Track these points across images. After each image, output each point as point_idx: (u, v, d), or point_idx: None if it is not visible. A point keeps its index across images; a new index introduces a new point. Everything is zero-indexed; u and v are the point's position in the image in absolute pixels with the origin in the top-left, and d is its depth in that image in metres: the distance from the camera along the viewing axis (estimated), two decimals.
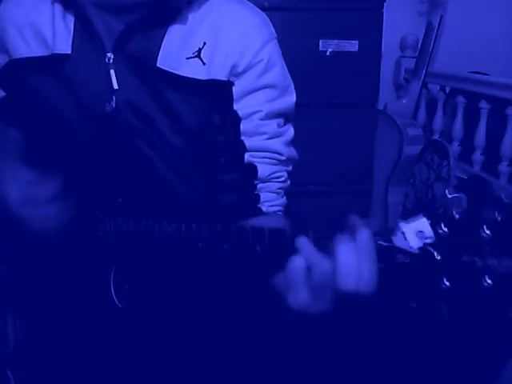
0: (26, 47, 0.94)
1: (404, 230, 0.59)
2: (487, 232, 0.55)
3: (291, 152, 1.01)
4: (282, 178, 0.99)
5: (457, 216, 0.57)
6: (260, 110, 0.94)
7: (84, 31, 0.92)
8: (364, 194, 2.32)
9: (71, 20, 0.92)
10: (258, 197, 0.95)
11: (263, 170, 0.95)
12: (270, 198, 0.97)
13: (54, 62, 0.92)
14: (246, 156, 0.95)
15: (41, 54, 0.93)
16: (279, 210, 0.98)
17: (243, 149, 0.94)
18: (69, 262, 0.92)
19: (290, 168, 1.02)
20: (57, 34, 0.92)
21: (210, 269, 0.85)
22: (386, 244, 0.61)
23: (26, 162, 0.95)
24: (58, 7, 0.93)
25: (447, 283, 0.57)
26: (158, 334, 0.99)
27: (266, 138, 0.96)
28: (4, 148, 1.00)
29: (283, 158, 0.98)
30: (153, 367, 1.02)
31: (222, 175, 0.96)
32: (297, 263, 0.68)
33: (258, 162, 0.95)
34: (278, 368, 1.09)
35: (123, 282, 0.89)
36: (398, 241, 0.60)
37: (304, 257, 0.68)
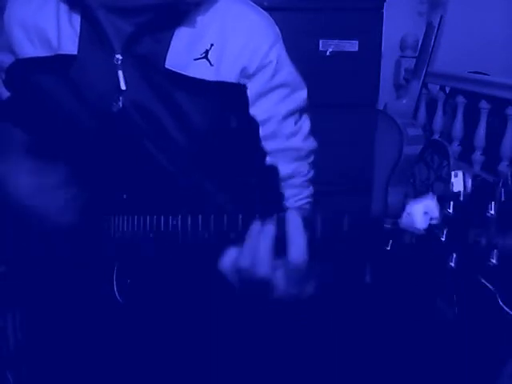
0: (32, 47, 0.94)
1: (410, 210, 0.60)
2: (492, 212, 0.55)
3: (310, 144, 1.03)
4: (305, 172, 1.01)
5: (462, 197, 0.57)
6: (278, 114, 0.96)
7: (91, 32, 0.92)
8: (364, 194, 2.31)
9: (77, 21, 0.92)
10: (282, 195, 0.97)
11: (285, 168, 0.98)
12: (295, 193, 0.99)
13: (59, 62, 0.93)
14: (268, 159, 0.96)
15: (45, 54, 0.93)
16: (307, 202, 1.00)
17: (264, 153, 0.96)
18: (71, 258, 0.92)
19: (312, 158, 1.03)
20: (62, 35, 0.92)
21: (211, 264, 0.86)
22: (391, 226, 0.61)
23: (33, 158, 0.96)
24: (64, 7, 0.93)
25: (453, 263, 0.57)
26: (158, 329, 1.00)
27: (285, 140, 0.98)
28: (11, 147, 1.00)
29: (303, 153, 1.00)
30: (153, 363, 1.02)
31: (245, 179, 0.98)
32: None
33: (279, 163, 0.97)
34: (283, 365, 1.10)
35: (125, 278, 0.90)
36: (404, 222, 0.60)
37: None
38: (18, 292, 1.00)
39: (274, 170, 0.96)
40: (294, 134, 0.99)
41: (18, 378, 1.13)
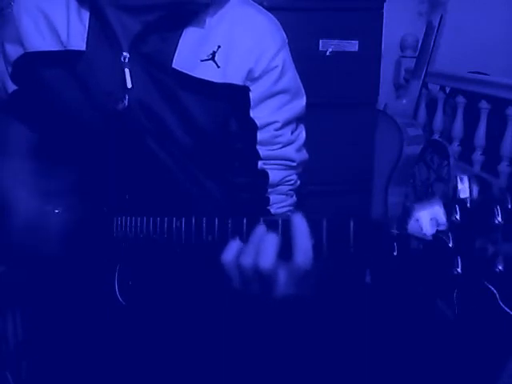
0: (41, 40, 0.94)
1: (418, 216, 0.60)
2: (499, 219, 0.55)
3: (303, 156, 1.04)
4: (292, 181, 1.01)
5: (469, 204, 0.57)
6: (276, 121, 0.96)
7: (99, 29, 0.92)
8: (364, 194, 2.31)
9: (86, 16, 0.92)
10: (267, 199, 0.97)
11: (274, 176, 0.98)
12: (280, 200, 0.99)
13: (67, 57, 0.93)
14: (259, 164, 0.96)
15: (55, 49, 0.93)
16: (289, 210, 1.00)
17: (257, 157, 0.96)
18: (73, 259, 0.92)
19: (301, 170, 1.04)
20: (71, 30, 0.92)
21: (214, 267, 0.86)
22: (399, 231, 0.61)
23: (36, 157, 0.96)
24: (74, 2, 0.92)
25: (459, 270, 0.57)
26: (161, 331, 1.00)
27: (279, 148, 0.98)
28: (14, 143, 1.00)
29: (295, 164, 1.01)
30: (155, 364, 1.02)
31: (234, 179, 0.98)
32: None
33: (270, 169, 0.97)
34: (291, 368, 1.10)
35: (127, 280, 0.90)
36: (412, 228, 0.60)
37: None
38: (18, 292, 1.00)
39: (264, 174, 0.97)
40: (289, 144, 0.99)
41: (18, 378, 1.13)
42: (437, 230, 0.59)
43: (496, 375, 1.42)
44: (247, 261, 0.70)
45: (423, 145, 2.39)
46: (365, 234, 0.64)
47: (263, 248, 0.69)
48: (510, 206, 0.55)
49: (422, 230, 0.59)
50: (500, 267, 0.55)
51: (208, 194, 1.00)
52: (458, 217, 0.58)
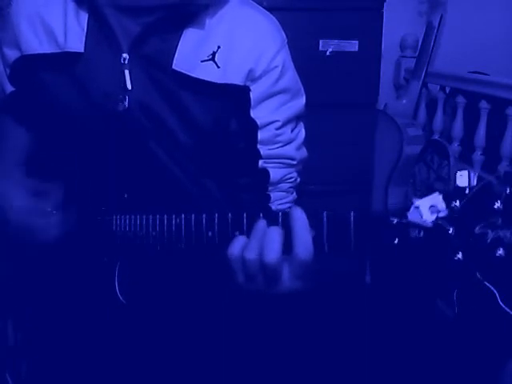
0: (38, 43, 0.94)
1: (418, 204, 0.60)
2: (499, 205, 0.55)
3: (303, 154, 1.04)
4: (293, 179, 1.02)
5: (468, 191, 0.58)
6: (277, 120, 0.97)
7: (98, 30, 0.92)
8: (364, 194, 2.31)
9: (84, 18, 0.92)
10: (268, 197, 0.98)
11: (275, 174, 0.99)
12: (280, 197, 1.00)
13: (65, 59, 0.92)
14: (260, 162, 0.97)
15: (51, 51, 0.93)
16: (289, 207, 1.00)
17: (258, 156, 0.97)
18: (72, 259, 0.92)
19: (301, 167, 1.05)
20: (69, 32, 0.92)
21: (214, 263, 0.86)
22: (399, 219, 0.61)
23: (31, 163, 0.96)
24: (71, 4, 0.92)
25: (460, 256, 0.57)
26: (161, 329, 1.00)
27: (280, 146, 0.99)
28: (12, 144, 1.00)
29: (295, 162, 1.01)
30: (156, 363, 1.02)
31: (236, 179, 0.99)
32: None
33: (271, 168, 0.98)
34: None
35: (127, 278, 0.90)
36: (411, 216, 0.60)
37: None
38: (18, 293, 1.00)
39: (265, 173, 0.98)
40: (289, 142, 1.00)
41: (18, 379, 1.12)
42: (437, 217, 0.59)
43: (496, 375, 1.42)
44: (252, 256, 0.70)
45: (423, 145, 2.39)
46: (365, 224, 0.64)
47: (268, 242, 0.69)
48: (508, 192, 0.55)
49: (422, 217, 0.60)
50: (500, 252, 0.55)
51: (208, 194, 1.00)
52: (457, 203, 0.58)
